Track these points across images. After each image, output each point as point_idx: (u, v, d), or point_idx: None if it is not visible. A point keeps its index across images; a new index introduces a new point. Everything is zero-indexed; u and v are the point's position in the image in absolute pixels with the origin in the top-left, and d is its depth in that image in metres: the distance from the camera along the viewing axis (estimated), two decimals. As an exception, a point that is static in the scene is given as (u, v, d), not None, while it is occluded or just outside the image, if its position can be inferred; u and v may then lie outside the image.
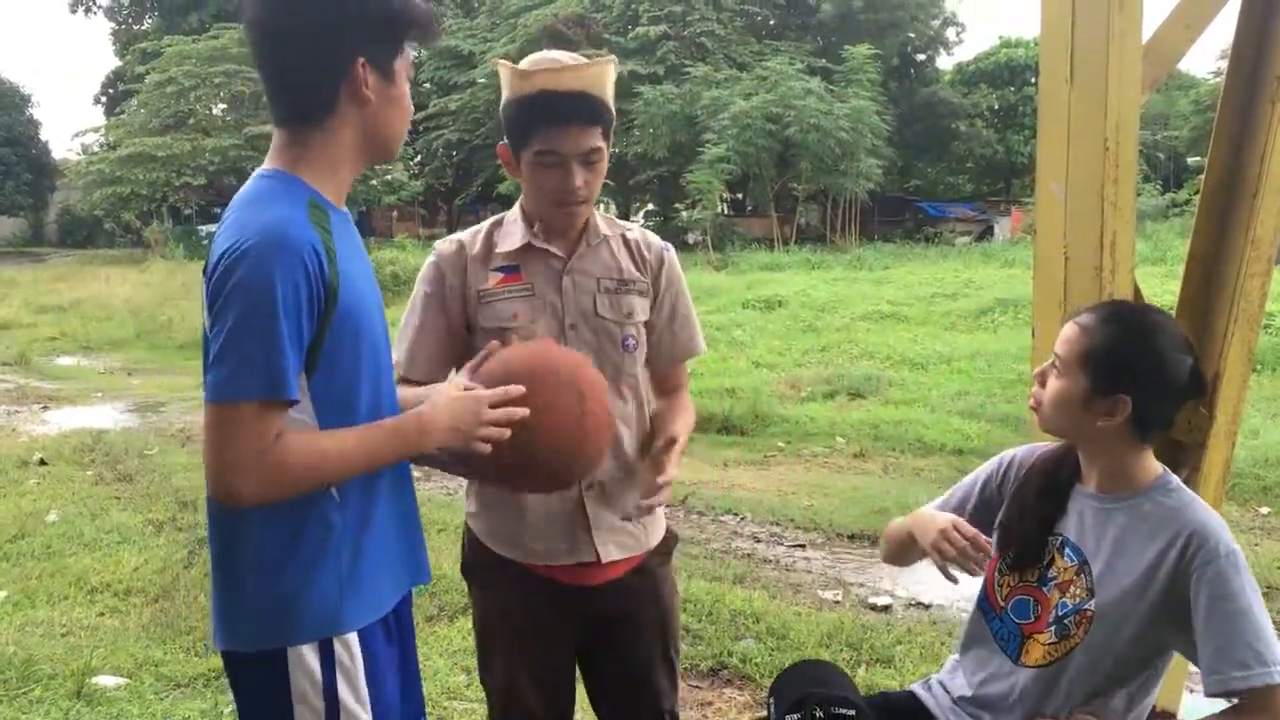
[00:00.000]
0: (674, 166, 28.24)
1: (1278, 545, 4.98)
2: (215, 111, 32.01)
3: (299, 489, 1.39)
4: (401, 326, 1.94)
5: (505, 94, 1.84)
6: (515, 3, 32.53)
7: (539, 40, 27.71)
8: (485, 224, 1.99)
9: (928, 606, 4.22)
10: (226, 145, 28.81)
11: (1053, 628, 1.74)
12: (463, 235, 1.98)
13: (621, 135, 26.35)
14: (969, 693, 1.85)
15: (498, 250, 1.92)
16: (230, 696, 1.65)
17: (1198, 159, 28.56)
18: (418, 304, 1.94)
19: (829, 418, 8.14)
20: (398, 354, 1.90)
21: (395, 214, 36.64)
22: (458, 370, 1.95)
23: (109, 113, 41.57)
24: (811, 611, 4.05)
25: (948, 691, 1.91)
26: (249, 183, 1.47)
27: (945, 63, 38.64)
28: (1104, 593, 1.69)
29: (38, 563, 4.67)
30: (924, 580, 4.40)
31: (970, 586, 1.88)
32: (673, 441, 1.86)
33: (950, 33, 37.43)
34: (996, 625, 1.83)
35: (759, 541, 5.29)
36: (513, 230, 1.93)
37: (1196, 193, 2.73)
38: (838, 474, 6.74)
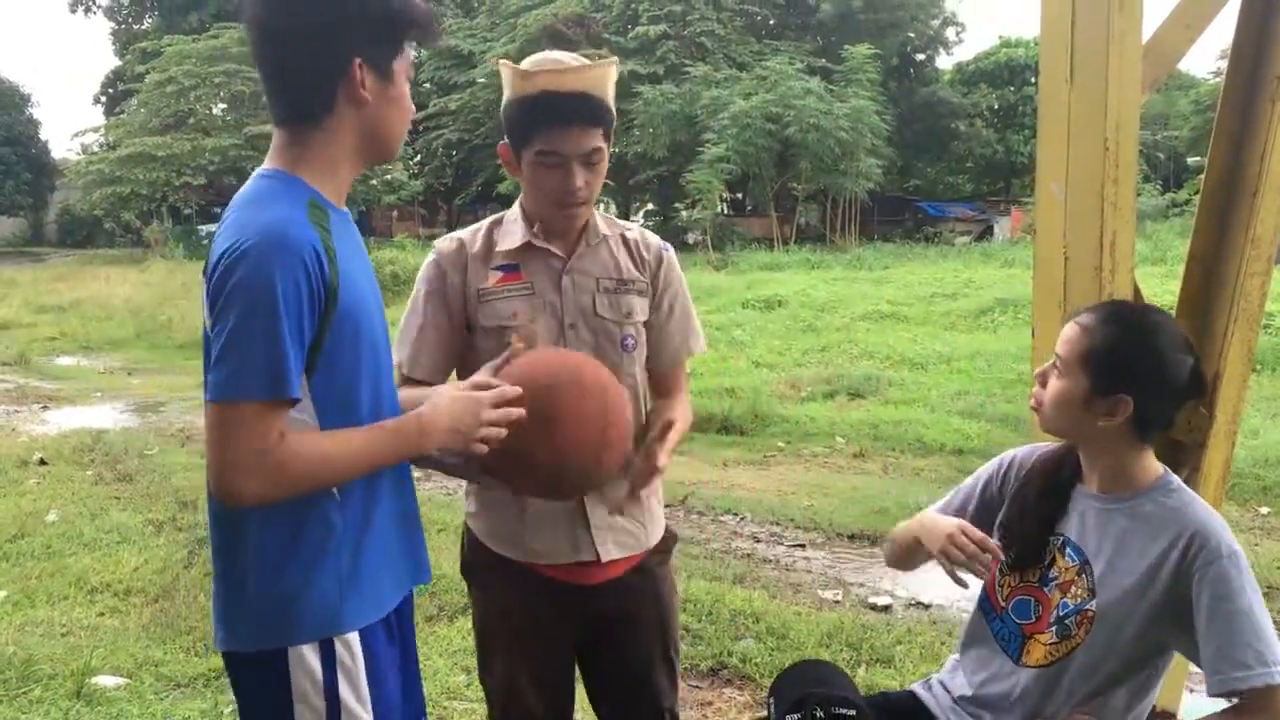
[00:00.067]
0: (674, 166, 28.24)
1: (1277, 545, 4.98)
2: (215, 111, 32.02)
3: (300, 489, 1.39)
4: (403, 326, 1.93)
5: (507, 94, 1.84)
6: (515, 2, 32.52)
7: (539, 40, 27.71)
8: (485, 222, 1.99)
9: (928, 606, 4.22)
10: (226, 145, 28.82)
11: (1054, 628, 1.74)
12: (463, 233, 1.98)
13: (621, 135, 26.34)
14: (969, 692, 1.85)
15: (498, 249, 1.92)
16: (230, 696, 1.65)
17: (1198, 159, 28.57)
18: (419, 303, 1.93)
19: (829, 418, 8.14)
20: (400, 354, 1.89)
21: (395, 214, 36.64)
22: (459, 370, 1.96)
23: (109, 112, 41.57)
24: (811, 611, 4.05)
25: (948, 691, 1.91)
26: (249, 182, 1.47)
27: (945, 62, 38.73)
28: (1105, 593, 1.69)
29: (37, 562, 4.67)
30: (924, 580, 4.40)
31: (971, 587, 1.88)
32: (669, 426, 1.83)
33: (950, 32, 37.50)
34: (997, 625, 1.83)
35: (759, 541, 5.29)
36: (512, 229, 1.93)
37: (1196, 192, 2.73)
38: (837, 474, 6.74)
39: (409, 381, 1.89)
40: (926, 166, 37.35)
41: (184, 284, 19.11)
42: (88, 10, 44.57)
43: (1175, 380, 1.67)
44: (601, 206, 2.20)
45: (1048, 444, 1.89)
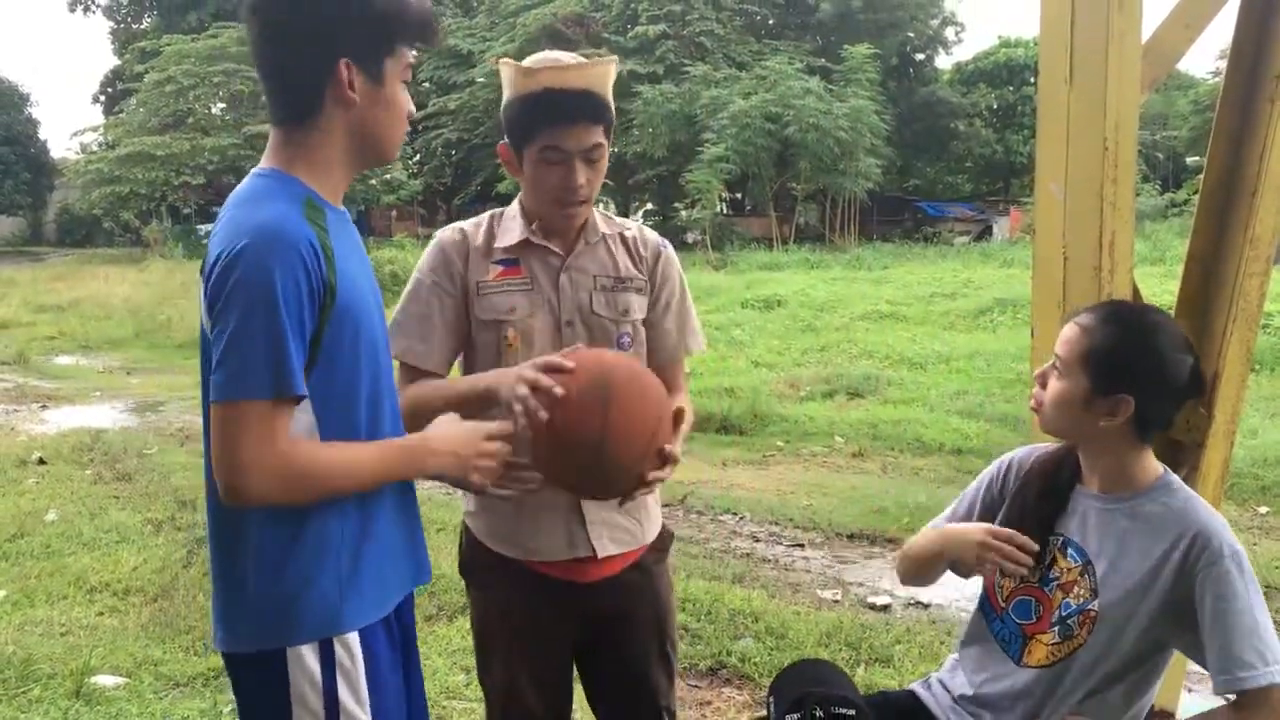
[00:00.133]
0: (673, 166, 28.24)
1: (1276, 545, 4.99)
2: (214, 110, 32.03)
3: (310, 497, 1.39)
4: (400, 317, 1.89)
5: (508, 92, 1.84)
6: (514, 2, 32.51)
7: (538, 39, 27.72)
8: (485, 216, 1.98)
9: (927, 606, 4.22)
10: (225, 144, 28.82)
11: (1056, 628, 1.74)
12: (465, 225, 1.97)
13: (621, 134, 26.36)
14: (969, 691, 1.85)
15: (497, 244, 1.92)
16: (230, 696, 1.65)
17: (1197, 159, 28.58)
18: (422, 291, 1.90)
19: (828, 417, 8.14)
20: (400, 345, 1.85)
21: (394, 213, 36.61)
22: (462, 365, 1.95)
23: (108, 112, 41.58)
24: (810, 611, 4.05)
25: (948, 690, 1.91)
26: (245, 181, 1.47)
27: (944, 62, 38.74)
28: (1107, 593, 1.69)
29: (37, 562, 4.66)
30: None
31: (969, 586, 1.88)
32: (680, 414, 1.81)
33: (949, 32, 37.49)
34: (997, 626, 1.84)
35: (758, 541, 5.29)
36: (512, 226, 1.93)
37: (1195, 192, 2.73)
38: (836, 473, 6.74)
39: (412, 372, 1.87)
40: (926, 166, 37.36)
41: (183, 283, 19.09)
42: (87, 10, 44.59)
43: (1176, 380, 1.67)
44: (601, 206, 2.20)
45: (1046, 445, 1.89)
